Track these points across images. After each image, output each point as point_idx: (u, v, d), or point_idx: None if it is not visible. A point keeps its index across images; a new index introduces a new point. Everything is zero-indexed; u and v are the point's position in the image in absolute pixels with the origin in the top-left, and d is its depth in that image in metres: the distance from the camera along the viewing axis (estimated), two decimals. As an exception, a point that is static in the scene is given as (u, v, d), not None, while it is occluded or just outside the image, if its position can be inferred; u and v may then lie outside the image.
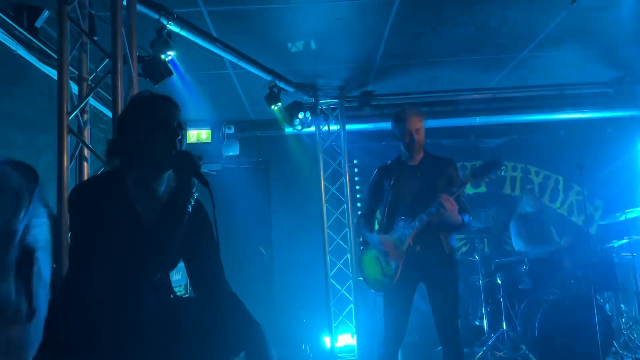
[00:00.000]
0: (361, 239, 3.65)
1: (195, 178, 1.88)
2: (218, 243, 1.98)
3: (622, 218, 5.28)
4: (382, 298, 3.48)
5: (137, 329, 1.80)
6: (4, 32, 3.69)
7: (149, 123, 1.92)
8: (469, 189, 6.63)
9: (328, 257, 6.12)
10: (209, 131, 6.65)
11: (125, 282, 1.80)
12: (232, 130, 6.78)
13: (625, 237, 5.22)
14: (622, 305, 5.35)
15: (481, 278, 5.19)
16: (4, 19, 3.65)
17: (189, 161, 1.87)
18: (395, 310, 3.41)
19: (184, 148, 1.96)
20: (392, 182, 3.44)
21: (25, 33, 3.82)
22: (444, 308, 3.31)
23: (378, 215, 3.67)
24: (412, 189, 3.41)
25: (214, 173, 6.84)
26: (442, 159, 3.53)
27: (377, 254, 3.46)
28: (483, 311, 5.15)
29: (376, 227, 3.77)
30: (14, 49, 3.83)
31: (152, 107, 1.96)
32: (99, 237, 1.80)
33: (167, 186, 1.99)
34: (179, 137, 1.93)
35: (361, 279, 3.68)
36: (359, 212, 3.76)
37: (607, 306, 5.15)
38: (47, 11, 3.79)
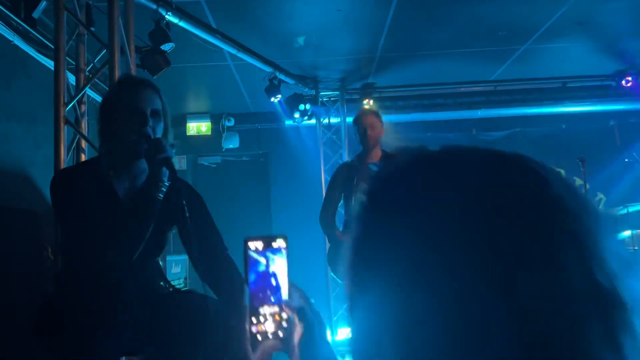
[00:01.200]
0: (329, 236, 3.90)
1: (165, 167, 1.84)
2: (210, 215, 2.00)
3: (625, 211, 5.25)
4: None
5: (117, 312, 1.82)
6: (2, 22, 3.66)
7: (121, 109, 1.90)
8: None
9: (327, 247, 6.10)
10: (209, 124, 6.63)
11: (105, 264, 1.81)
12: (232, 123, 6.75)
13: (627, 231, 5.20)
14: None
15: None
16: (1, 10, 3.62)
17: (157, 149, 1.83)
18: None
19: (161, 134, 1.93)
20: (355, 182, 3.66)
21: (22, 24, 3.79)
22: None
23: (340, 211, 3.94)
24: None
25: (214, 166, 6.82)
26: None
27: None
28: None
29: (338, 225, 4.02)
30: (12, 39, 3.80)
31: (127, 92, 1.93)
32: (80, 220, 1.81)
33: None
34: (149, 123, 1.89)
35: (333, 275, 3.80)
36: (321, 210, 3.98)
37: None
38: (45, 1, 3.75)
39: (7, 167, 3.79)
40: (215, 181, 6.57)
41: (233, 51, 4.73)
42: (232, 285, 1.94)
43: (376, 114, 3.76)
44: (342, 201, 3.91)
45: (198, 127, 6.62)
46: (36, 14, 3.78)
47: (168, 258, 4.63)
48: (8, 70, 3.91)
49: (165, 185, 1.86)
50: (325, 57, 5.42)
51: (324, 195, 6.27)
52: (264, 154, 7.03)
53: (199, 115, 6.60)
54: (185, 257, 4.94)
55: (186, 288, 4.77)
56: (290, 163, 6.69)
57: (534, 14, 4.58)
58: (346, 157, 6.30)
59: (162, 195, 1.86)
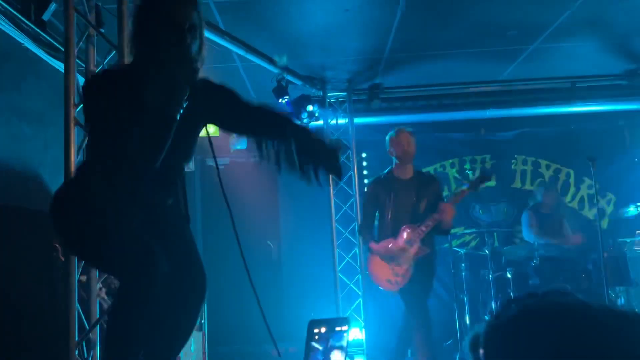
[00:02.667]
0: (367, 247, 4.19)
1: (189, 88, 1.84)
2: None
3: (635, 211, 5.21)
4: (400, 296, 4.01)
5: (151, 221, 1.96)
6: (12, 25, 3.68)
7: (159, 20, 1.86)
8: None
9: (336, 251, 6.10)
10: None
11: (129, 169, 1.88)
12: (240, 124, 6.75)
13: (638, 232, 5.16)
14: (634, 301, 5.29)
15: (491, 272, 5.14)
16: (12, 12, 3.64)
17: (185, 68, 1.83)
18: (412, 306, 3.93)
19: (197, 49, 1.91)
20: (391, 198, 4.03)
21: (33, 26, 3.82)
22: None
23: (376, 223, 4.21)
24: (409, 202, 4.04)
25: (222, 167, 6.82)
26: (429, 176, 4.31)
27: (386, 258, 3.98)
28: (492, 306, 5.11)
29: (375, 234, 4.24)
30: (22, 42, 3.82)
31: (165, 3, 1.89)
32: (107, 119, 1.85)
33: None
34: (187, 39, 1.86)
35: (376, 284, 4.12)
36: (359, 223, 4.44)
37: (620, 301, 5.10)
38: (54, 4, 3.78)
39: (18, 168, 3.81)
40: (223, 182, 6.56)
41: (241, 52, 4.74)
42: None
43: (412, 133, 4.15)
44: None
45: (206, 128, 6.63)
46: (46, 16, 3.82)
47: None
48: (18, 72, 3.94)
49: (183, 107, 1.85)
50: (333, 57, 5.42)
51: (331, 196, 6.31)
52: (272, 154, 7.02)
53: (207, 117, 6.61)
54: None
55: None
56: (298, 164, 6.68)
57: (543, 13, 4.56)
58: (353, 158, 6.29)
59: (179, 115, 1.85)
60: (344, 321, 0.82)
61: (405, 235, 3.95)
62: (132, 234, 1.87)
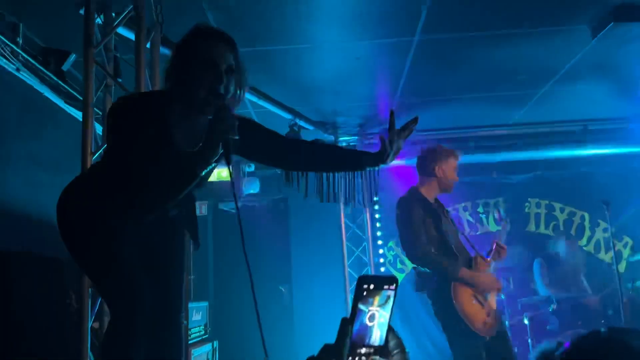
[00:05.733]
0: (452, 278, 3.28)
1: (222, 144, 1.80)
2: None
3: (653, 255, 5.12)
4: (486, 346, 3.24)
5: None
6: (33, 75, 3.79)
7: (195, 60, 1.84)
8: (492, 226, 6.52)
9: (349, 296, 6.03)
10: (229, 170, 6.68)
11: (140, 205, 1.92)
12: (252, 169, 6.80)
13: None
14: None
15: (507, 318, 5.03)
16: (32, 63, 3.76)
17: (220, 120, 1.78)
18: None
19: (234, 92, 1.90)
20: (442, 221, 3.43)
21: (52, 76, 3.93)
22: None
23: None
24: (452, 229, 3.53)
25: (234, 211, 6.84)
26: (442, 204, 3.69)
27: (470, 289, 3.30)
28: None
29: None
30: (42, 91, 3.93)
31: (204, 43, 1.87)
32: (131, 153, 1.85)
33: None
34: (223, 81, 1.84)
35: (468, 328, 3.19)
36: (420, 250, 3.34)
37: (641, 348, 4.95)
38: (74, 55, 3.90)
39: (34, 215, 3.85)
40: (235, 227, 6.56)
41: (254, 99, 4.83)
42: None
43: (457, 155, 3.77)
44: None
45: (219, 173, 6.66)
46: (66, 67, 3.93)
47: (189, 305, 4.61)
48: (38, 120, 4.03)
49: (211, 165, 1.85)
50: (345, 103, 5.49)
51: (343, 240, 6.28)
52: (284, 198, 7.04)
53: (219, 162, 6.68)
54: (205, 303, 4.91)
55: (206, 336, 4.73)
56: (310, 207, 6.68)
57: (552, 57, 4.61)
58: (364, 202, 6.27)
59: (204, 173, 1.85)
60: (392, 280, 0.81)
61: (487, 266, 3.38)
62: (123, 266, 1.92)
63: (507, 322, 4.95)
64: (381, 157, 2.04)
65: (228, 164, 1.82)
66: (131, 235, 1.98)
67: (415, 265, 3.48)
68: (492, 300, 3.40)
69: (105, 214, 1.92)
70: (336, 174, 2.25)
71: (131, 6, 3.13)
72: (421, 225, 3.36)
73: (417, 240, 3.33)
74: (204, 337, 4.69)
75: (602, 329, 0.81)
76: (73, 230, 1.96)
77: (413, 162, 3.80)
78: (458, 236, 3.57)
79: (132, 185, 1.87)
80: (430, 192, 3.56)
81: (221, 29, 1.96)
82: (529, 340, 4.87)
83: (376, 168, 2.13)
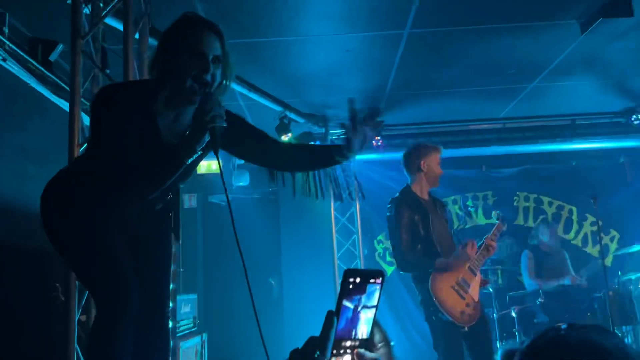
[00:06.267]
0: (425, 269, 3.36)
1: (209, 132, 1.80)
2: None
3: (639, 248, 5.18)
4: (465, 335, 3.32)
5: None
6: (19, 65, 3.74)
7: (182, 49, 1.85)
8: (481, 220, 6.57)
9: (338, 289, 6.04)
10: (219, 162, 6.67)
11: (125, 198, 1.92)
12: (242, 161, 6.79)
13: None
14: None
15: (495, 311, 5.08)
16: (19, 53, 3.71)
17: (206, 108, 1.78)
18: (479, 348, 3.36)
19: (220, 81, 1.90)
20: (430, 220, 3.48)
21: (39, 66, 3.88)
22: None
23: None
24: (443, 226, 3.58)
25: (224, 203, 6.83)
26: (438, 199, 3.81)
27: (450, 280, 3.36)
28: (497, 345, 5.02)
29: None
30: (28, 82, 3.88)
31: (192, 31, 1.87)
32: (117, 141, 1.83)
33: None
34: (210, 70, 1.85)
35: (445, 316, 3.28)
36: (401, 250, 3.47)
37: (627, 341, 5.01)
38: (61, 45, 3.85)
39: (20, 207, 3.82)
40: (225, 219, 6.56)
41: (244, 91, 4.81)
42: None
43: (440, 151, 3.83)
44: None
45: (208, 166, 6.65)
46: (53, 57, 3.88)
47: (178, 297, 4.60)
48: (23, 111, 3.99)
49: (198, 153, 1.84)
50: (335, 95, 5.48)
51: (333, 233, 6.29)
52: (274, 191, 7.04)
53: (209, 154, 6.65)
54: (194, 296, 4.91)
55: (195, 328, 4.73)
56: (300, 200, 6.68)
57: (541, 52, 4.63)
58: (356, 195, 6.29)
59: (190, 161, 1.84)
60: (379, 274, 0.81)
61: (469, 251, 3.41)
62: (110, 261, 1.91)
63: (495, 315, 5.00)
64: (348, 147, 2.04)
65: (216, 152, 1.82)
66: (116, 227, 1.97)
67: None
68: (475, 291, 3.44)
69: (89, 203, 1.91)
70: (320, 172, 2.28)
71: (119, -4, 3.10)
72: (408, 227, 3.45)
73: (399, 246, 3.47)
74: (192, 329, 4.68)
75: (563, 326, 0.81)
76: (55, 220, 1.94)
77: (400, 155, 3.82)
78: (447, 232, 3.61)
79: (117, 173, 1.85)
80: (421, 188, 3.62)
81: (208, 19, 1.95)
82: (517, 334, 4.92)
83: (348, 159, 2.12)
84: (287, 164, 2.33)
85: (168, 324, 2.20)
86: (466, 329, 3.32)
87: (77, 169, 2.10)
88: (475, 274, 3.47)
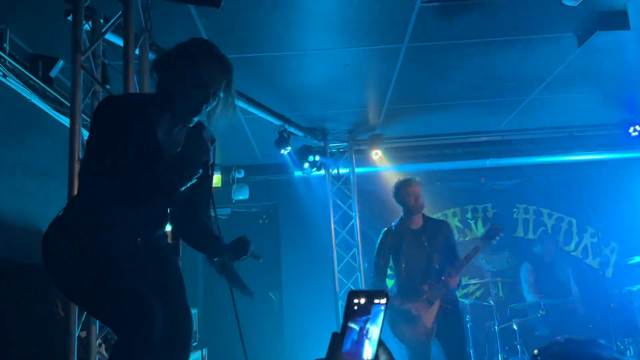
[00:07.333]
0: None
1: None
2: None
3: (639, 260, 5.17)
4: (411, 351, 3.90)
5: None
6: (20, 82, 3.76)
7: (188, 78, 1.92)
8: (479, 232, 6.56)
9: (339, 302, 6.02)
10: (219, 176, 6.67)
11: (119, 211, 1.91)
12: (242, 175, 6.80)
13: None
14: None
15: (497, 324, 5.05)
16: (19, 70, 3.74)
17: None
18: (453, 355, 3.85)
19: (219, 114, 2.01)
20: (403, 248, 4.00)
21: (40, 82, 3.90)
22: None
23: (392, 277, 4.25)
24: (422, 255, 3.98)
25: (224, 217, 6.83)
26: (438, 222, 4.28)
27: (407, 316, 3.89)
28: (499, 358, 4.99)
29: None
30: (29, 98, 3.90)
31: (200, 63, 1.93)
32: (118, 150, 1.86)
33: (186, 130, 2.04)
34: (209, 104, 1.94)
35: (400, 342, 3.93)
36: (374, 276, 4.19)
37: (628, 353, 4.98)
38: (62, 61, 3.87)
39: (20, 222, 3.82)
40: (224, 233, 6.55)
41: (244, 106, 4.83)
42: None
43: (420, 184, 4.15)
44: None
45: (208, 180, 6.67)
46: (53, 73, 3.91)
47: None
48: (24, 127, 4.00)
49: (188, 183, 1.90)
50: (334, 109, 5.51)
51: (333, 246, 6.28)
52: (274, 205, 7.04)
53: (209, 168, 6.66)
54: (194, 311, 4.89)
55: (195, 343, 4.70)
56: (300, 213, 6.69)
57: (539, 65, 4.66)
58: (355, 207, 6.29)
59: (180, 190, 1.89)
60: (383, 294, 0.81)
61: (425, 294, 3.90)
62: (127, 285, 1.84)
63: (496, 327, 4.98)
64: (228, 256, 2.18)
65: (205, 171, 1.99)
66: (124, 256, 1.94)
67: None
68: (432, 309, 3.87)
69: (99, 236, 1.88)
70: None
71: (120, 12, 3.12)
72: (381, 259, 4.13)
73: (375, 274, 4.16)
74: (193, 344, 4.65)
75: (561, 339, 0.82)
76: (70, 260, 1.89)
77: (399, 168, 4.07)
78: (425, 260, 3.97)
79: (118, 184, 1.86)
80: (415, 220, 4.08)
81: (222, 53, 2.00)
82: (518, 347, 4.89)
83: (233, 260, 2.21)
84: (185, 236, 2.27)
85: (191, 345, 2.13)
86: (425, 339, 3.86)
87: (71, 205, 2.07)
88: (433, 304, 3.87)
